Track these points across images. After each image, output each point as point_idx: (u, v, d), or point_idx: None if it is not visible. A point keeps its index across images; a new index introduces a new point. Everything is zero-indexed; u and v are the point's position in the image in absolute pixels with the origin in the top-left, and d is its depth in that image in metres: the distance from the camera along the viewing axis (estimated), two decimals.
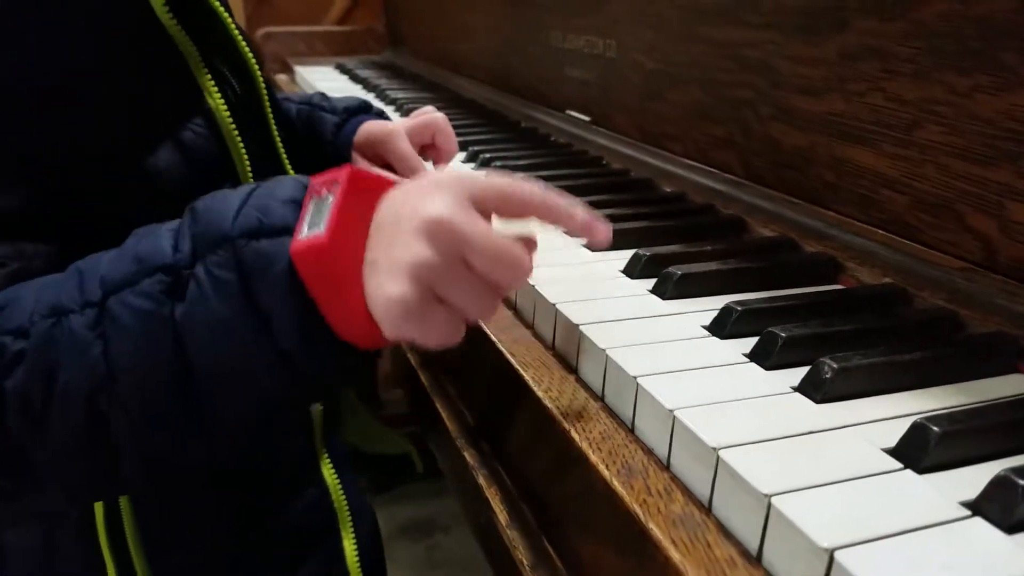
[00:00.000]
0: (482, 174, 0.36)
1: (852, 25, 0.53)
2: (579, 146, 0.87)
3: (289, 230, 0.34)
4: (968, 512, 0.29)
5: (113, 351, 0.34)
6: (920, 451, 0.32)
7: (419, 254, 0.32)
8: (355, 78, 1.40)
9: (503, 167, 0.77)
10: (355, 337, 0.34)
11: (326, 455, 0.57)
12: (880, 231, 0.53)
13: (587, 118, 0.90)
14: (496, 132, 0.95)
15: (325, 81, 1.42)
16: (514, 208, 0.36)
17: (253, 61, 0.51)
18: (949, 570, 0.26)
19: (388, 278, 0.32)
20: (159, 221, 0.37)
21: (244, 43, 0.49)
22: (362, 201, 0.34)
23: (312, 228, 0.33)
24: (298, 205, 0.34)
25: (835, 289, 0.51)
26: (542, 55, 0.98)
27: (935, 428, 0.32)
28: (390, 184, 0.36)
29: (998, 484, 0.29)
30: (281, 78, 1.56)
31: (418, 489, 1.58)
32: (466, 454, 0.49)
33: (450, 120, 1.07)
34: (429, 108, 0.68)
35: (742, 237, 0.60)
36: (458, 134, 0.92)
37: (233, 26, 0.49)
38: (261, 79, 0.53)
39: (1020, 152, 0.44)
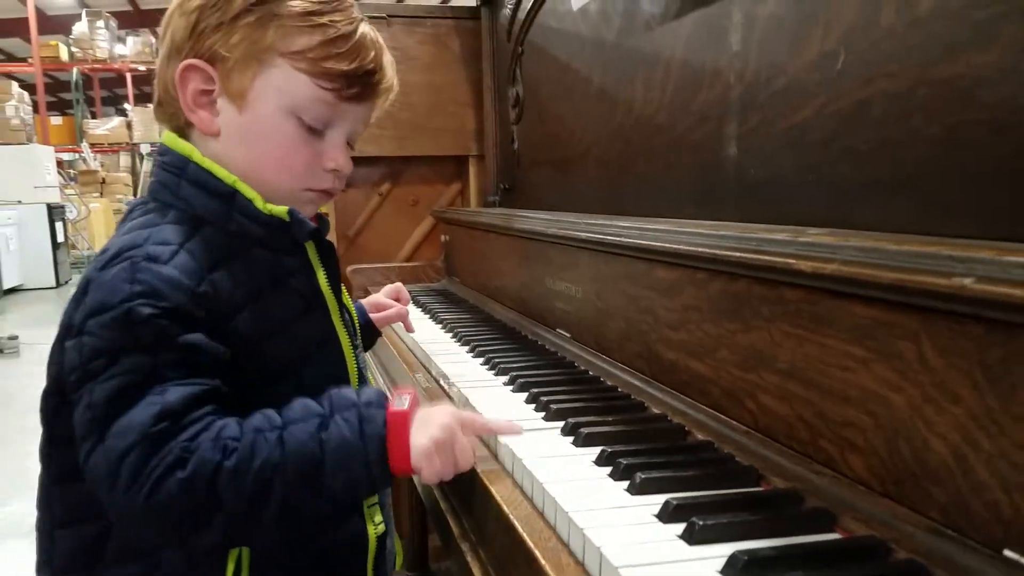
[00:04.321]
0: (468, 412, 0.81)
1: (685, 291, 0.94)
2: (561, 353, 1.27)
3: (382, 405, 0.75)
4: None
5: (288, 448, 0.70)
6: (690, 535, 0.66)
7: (436, 433, 0.75)
8: (416, 303, 1.86)
9: (506, 366, 1.17)
10: (395, 462, 0.74)
11: None
12: (711, 409, 0.89)
13: (568, 334, 1.31)
14: (508, 343, 1.37)
15: None
16: (476, 429, 0.82)
17: (352, 307, 0.96)
18: None
19: (423, 436, 0.74)
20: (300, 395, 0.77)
21: (349, 299, 0.95)
22: (413, 404, 0.77)
23: (399, 405, 0.75)
24: (384, 397, 0.76)
25: (683, 444, 0.87)
26: (541, 291, 1.43)
27: (700, 522, 0.66)
28: (418, 402, 0.79)
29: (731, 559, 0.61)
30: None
31: None
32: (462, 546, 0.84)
33: (478, 333, 1.51)
34: (398, 284, 1.31)
35: (641, 413, 0.97)
36: (481, 344, 1.35)
37: (345, 294, 0.94)
38: (354, 310, 0.98)
39: (757, 365, 0.81)
